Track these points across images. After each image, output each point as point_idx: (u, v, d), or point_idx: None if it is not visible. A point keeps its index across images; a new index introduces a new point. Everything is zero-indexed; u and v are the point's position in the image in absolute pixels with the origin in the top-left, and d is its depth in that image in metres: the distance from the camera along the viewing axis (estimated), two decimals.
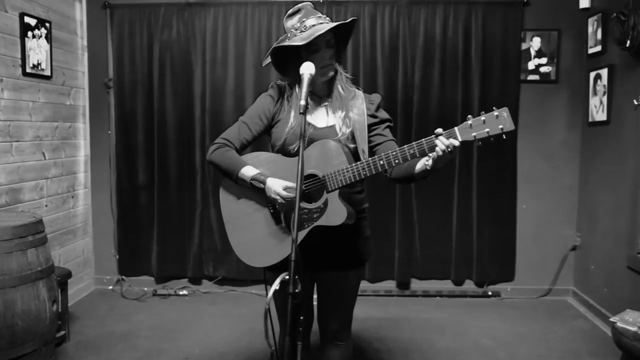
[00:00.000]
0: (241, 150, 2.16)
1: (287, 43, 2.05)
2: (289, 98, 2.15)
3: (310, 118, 2.11)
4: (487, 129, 1.75)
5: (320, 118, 2.13)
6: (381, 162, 1.89)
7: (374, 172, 1.91)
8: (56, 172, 4.03)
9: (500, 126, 1.73)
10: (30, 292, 2.69)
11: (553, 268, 4.38)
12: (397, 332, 3.66)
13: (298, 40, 2.00)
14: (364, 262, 2.24)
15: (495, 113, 1.74)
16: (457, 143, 1.77)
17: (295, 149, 2.05)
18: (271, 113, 2.17)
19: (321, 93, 2.15)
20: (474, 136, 1.77)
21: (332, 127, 2.08)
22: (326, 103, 2.15)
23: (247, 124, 2.16)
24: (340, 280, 2.19)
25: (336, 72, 2.12)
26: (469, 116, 1.79)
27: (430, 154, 1.83)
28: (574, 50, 4.21)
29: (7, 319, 2.58)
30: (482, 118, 1.76)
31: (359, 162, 1.94)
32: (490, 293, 4.39)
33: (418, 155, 1.86)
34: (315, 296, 2.31)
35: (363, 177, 1.92)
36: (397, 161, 1.87)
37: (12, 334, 2.60)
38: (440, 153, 1.78)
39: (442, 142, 1.77)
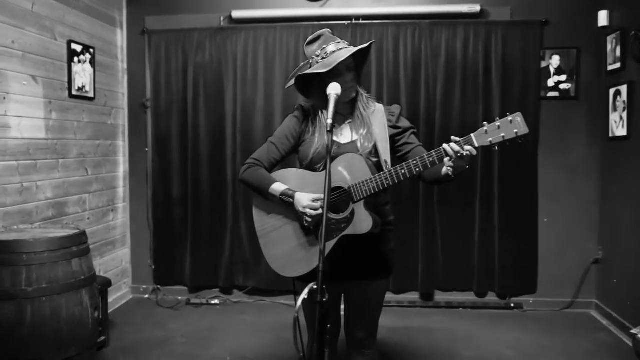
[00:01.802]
0: (270, 169, 2.28)
1: (310, 70, 2.16)
2: (313, 120, 2.26)
3: (334, 136, 2.20)
4: (502, 134, 1.83)
5: (344, 135, 2.23)
6: (403, 171, 1.98)
7: (396, 181, 1.99)
8: (97, 187, 4.26)
9: (515, 130, 1.81)
10: (74, 299, 2.81)
11: (575, 281, 4.39)
12: (421, 342, 3.71)
13: (321, 67, 2.11)
14: (389, 273, 2.30)
15: (510, 118, 1.82)
16: (474, 152, 1.86)
17: (321, 167, 2.16)
18: (297, 133, 2.28)
19: (344, 112, 2.25)
20: (490, 141, 1.84)
21: (354, 143, 2.18)
22: (349, 121, 2.24)
23: (276, 144, 2.29)
24: (367, 290, 2.24)
25: (357, 92, 2.23)
26: (484, 122, 1.87)
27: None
28: (593, 68, 4.27)
29: (54, 323, 2.71)
30: (497, 124, 1.84)
31: (381, 172, 2.02)
32: (512, 305, 4.42)
33: (437, 162, 1.93)
34: (342, 305, 2.38)
35: (386, 186, 2.00)
36: (417, 169, 1.96)
37: (58, 338, 2.73)
38: (454, 157, 1.87)
39: (452, 148, 1.87)
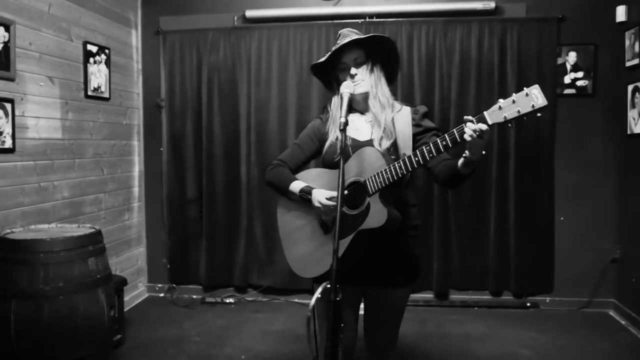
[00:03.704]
0: (296, 170, 2.27)
1: (317, 61, 2.22)
2: (330, 116, 2.24)
3: (352, 132, 2.17)
4: (517, 108, 1.70)
5: (360, 132, 2.19)
6: (416, 158, 1.90)
7: (410, 169, 1.92)
8: (113, 187, 4.30)
9: (532, 103, 1.68)
10: (90, 298, 2.83)
11: (593, 280, 4.33)
12: (436, 342, 3.69)
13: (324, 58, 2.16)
14: (414, 280, 2.23)
15: (525, 91, 1.71)
16: (484, 127, 1.74)
17: (337, 159, 2.08)
18: (321, 133, 2.26)
19: (361, 109, 2.22)
20: (505, 117, 1.72)
21: (370, 141, 2.14)
22: (370, 120, 2.20)
23: (300, 145, 2.29)
24: (390, 297, 2.19)
25: (373, 87, 2.16)
26: (500, 99, 1.76)
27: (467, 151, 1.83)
28: (611, 64, 4.20)
29: (71, 322, 2.73)
30: (512, 98, 1.72)
31: (395, 162, 1.94)
32: (528, 304, 4.37)
33: (450, 145, 1.84)
34: (361, 312, 2.32)
35: (401, 175, 1.93)
36: (431, 155, 1.87)
37: (75, 336, 2.75)
38: (469, 139, 1.76)
39: (470, 128, 1.76)
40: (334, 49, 2.13)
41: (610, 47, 4.21)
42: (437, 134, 2.15)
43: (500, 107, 1.74)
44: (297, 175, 2.23)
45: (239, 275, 4.62)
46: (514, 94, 1.73)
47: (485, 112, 1.77)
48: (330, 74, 2.24)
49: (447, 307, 4.44)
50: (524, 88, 1.72)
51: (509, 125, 1.76)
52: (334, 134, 2.18)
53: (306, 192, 2.12)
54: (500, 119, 1.74)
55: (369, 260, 2.09)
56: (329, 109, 2.27)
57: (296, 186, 2.16)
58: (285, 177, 2.22)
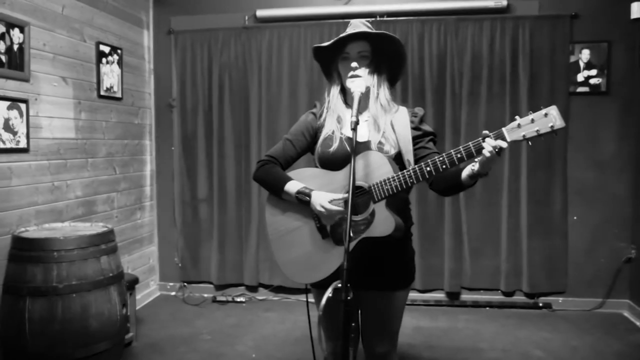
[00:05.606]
0: (286, 167, 2.17)
1: (318, 44, 2.14)
2: (327, 107, 2.16)
3: (350, 131, 2.01)
4: (536, 128, 1.69)
5: (360, 132, 2.06)
6: (428, 169, 1.83)
7: (420, 180, 1.86)
8: (125, 186, 4.33)
9: (550, 124, 1.68)
10: (103, 296, 2.87)
11: (606, 280, 4.28)
12: (447, 342, 3.68)
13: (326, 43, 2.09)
14: (410, 282, 2.17)
15: (544, 111, 1.69)
16: (504, 144, 1.71)
17: (332, 153, 2.05)
18: (314, 129, 2.17)
19: (361, 109, 2.08)
20: (523, 136, 1.71)
21: (368, 142, 2.04)
22: (366, 119, 2.10)
23: (291, 141, 2.17)
24: (387, 301, 2.11)
25: (370, 88, 2.08)
26: (517, 116, 1.75)
27: (477, 159, 1.78)
28: (625, 61, 4.15)
29: (84, 320, 2.77)
30: (531, 117, 1.70)
31: (405, 170, 1.88)
32: (541, 305, 4.33)
33: (465, 159, 1.79)
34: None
35: (410, 184, 1.87)
36: (444, 166, 1.81)
37: (87, 334, 2.79)
38: (488, 155, 1.72)
39: (490, 144, 1.72)
40: (340, 36, 2.05)
41: (624, 44, 4.15)
42: (433, 140, 2.11)
43: (519, 125, 1.72)
44: (290, 174, 2.12)
45: (250, 274, 4.64)
46: (531, 112, 1.72)
47: (504, 129, 1.74)
48: (332, 61, 2.16)
49: (459, 307, 4.41)
50: (542, 107, 1.71)
51: (527, 143, 1.75)
52: (330, 126, 2.11)
53: (305, 194, 2.01)
54: (519, 137, 1.72)
55: (369, 264, 2.03)
56: (325, 97, 2.19)
57: (292, 187, 2.05)
58: (279, 176, 2.11)
